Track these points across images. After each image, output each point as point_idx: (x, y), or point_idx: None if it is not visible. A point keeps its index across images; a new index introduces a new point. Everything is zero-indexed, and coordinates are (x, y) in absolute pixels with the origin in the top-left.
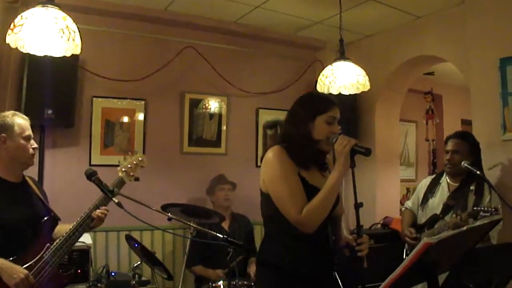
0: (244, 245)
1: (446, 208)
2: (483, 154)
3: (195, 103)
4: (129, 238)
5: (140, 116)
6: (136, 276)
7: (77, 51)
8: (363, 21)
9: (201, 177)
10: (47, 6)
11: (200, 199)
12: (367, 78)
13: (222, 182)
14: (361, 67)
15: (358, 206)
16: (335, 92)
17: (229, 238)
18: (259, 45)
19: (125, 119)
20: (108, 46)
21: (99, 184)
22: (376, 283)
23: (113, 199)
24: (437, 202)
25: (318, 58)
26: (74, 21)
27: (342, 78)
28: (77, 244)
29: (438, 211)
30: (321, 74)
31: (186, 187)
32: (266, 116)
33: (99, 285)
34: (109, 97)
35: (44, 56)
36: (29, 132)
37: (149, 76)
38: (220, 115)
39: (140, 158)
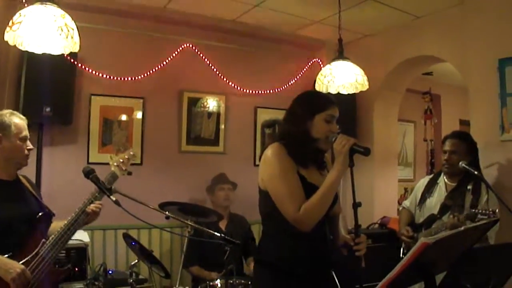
0: (241, 244)
1: (444, 208)
2: (481, 155)
3: (194, 102)
4: (126, 237)
5: (139, 115)
6: (134, 274)
7: (76, 49)
8: (362, 21)
9: (199, 175)
10: (45, 4)
11: (198, 197)
12: (365, 77)
13: (222, 182)
14: (360, 67)
15: (356, 205)
16: (333, 92)
17: (226, 237)
18: (258, 44)
19: (123, 117)
20: (106, 44)
21: (97, 182)
22: (373, 283)
23: (111, 197)
24: (434, 202)
25: (317, 57)
26: (72, 19)
27: (341, 77)
28: (75, 242)
29: (435, 211)
30: (319, 74)
31: (184, 185)
32: (264, 115)
33: (96, 283)
34: (107, 95)
35: (43, 53)
36: (25, 133)
37: (148, 74)
38: (218, 113)
39: (131, 153)
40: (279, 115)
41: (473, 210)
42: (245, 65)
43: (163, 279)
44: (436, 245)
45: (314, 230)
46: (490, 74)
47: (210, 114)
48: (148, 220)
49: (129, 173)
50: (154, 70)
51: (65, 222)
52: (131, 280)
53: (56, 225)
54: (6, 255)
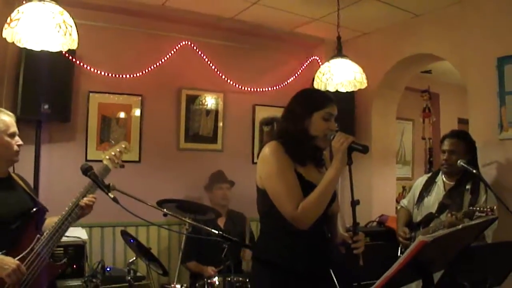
0: (239, 241)
1: (442, 207)
2: (480, 153)
3: (192, 99)
4: (124, 234)
5: (137, 112)
6: (132, 271)
7: (74, 46)
8: (360, 19)
9: (198, 173)
10: (44, 1)
11: (196, 195)
12: (364, 75)
13: (220, 181)
14: (359, 65)
15: (354, 203)
16: (332, 89)
17: (224, 234)
18: (257, 42)
19: (122, 114)
20: (105, 41)
21: (95, 179)
22: (371, 281)
23: (109, 194)
24: (432, 201)
25: (316, 55)
26: (71, 16)
27: (339, 75)
28: (73, 239)
29: (433, 210)
30: (318, 71)
31: (182, 183)
32: (262, 113)
33: (94, 280)
34: (105, 93)
35: (41, 50)
36: (14, 129)
37: (146, 71)
38: (216, 111)
39: (123, 146)
40: (278, 113)
41: (471, 208)
42: (244, 62)
43: (161, 276)
44: (434, 243)
45: (313, 228)
46: (488, 73)
47: (208, 112)
48: (146, 217)
49: (122, 166)
50: (152, 67)
51: (59, 217)
52: (129, 277)
53: (51, 221)
54: (0, 252)
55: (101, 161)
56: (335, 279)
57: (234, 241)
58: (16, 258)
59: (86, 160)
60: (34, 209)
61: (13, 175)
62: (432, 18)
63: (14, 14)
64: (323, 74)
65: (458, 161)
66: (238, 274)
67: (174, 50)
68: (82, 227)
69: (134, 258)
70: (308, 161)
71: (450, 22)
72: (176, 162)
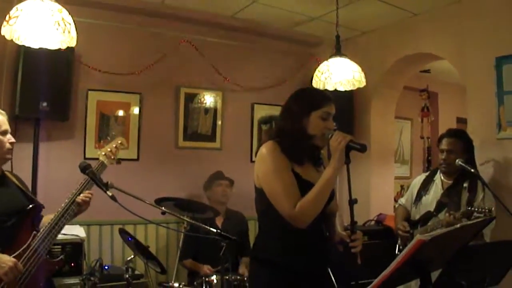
0: (237, 240)
1: (440, 206)
2: (478, 153)
3: (191, 98)
4: (122, 232)
5: (136, 110)
6: (130, 270)
7: (73, 43)
8: (359, 18)
9: (196, 171)
10: None
11: (194, 193)
12: (363, 74)
13: (220, 178)
14: (357, 64)
15: (352, 202)
16: (330, 88)
17: (222, 233)
18: (255, 40)
19: (120, 112)
20: (103, 39)
21: (94, 177)
22: (369, 280)
23: (107, 192)
24: (430, 199)
25: (314, 54)
26: (69, 14)
27: (338, 74)
28: (71, 237)
29: (431, 208)
30: (317, 70)
31: (181, 181)
32: (261, 111)
33: (92, 278)
34: (104, 90)
35: (39, 48)
36: (5, 126)
37: (145, 69)
38: (215, 109)
39: (119, 141)
40: (276, 111)
41: (469, 208)
42: (242, 61)
43: (159, 274)
44: (432, 242)
45: (311, 227)
46: (487, 72)
47: (207, 110)
48: (144, 215)
49: (118, 162)
50: (151, 65)
51: (56, 213)
52: (127, 276)
53: (48, 218)
54: None
55: (99, 159)
56: (333, 278)
57: (232, 240)
58: (13, 256)
59: (85, 158)
60: (30, 206)
61: (7, 173)
62: (431, 17)
63: (12, 12)
64: (322, 73)
65: (457, 160)
66: (235, 273)
67: (173, 48)
68: (80, 225)
69: (132, 256)
70: (306, 160)
71: (449, 21)
72: (175, 160)
